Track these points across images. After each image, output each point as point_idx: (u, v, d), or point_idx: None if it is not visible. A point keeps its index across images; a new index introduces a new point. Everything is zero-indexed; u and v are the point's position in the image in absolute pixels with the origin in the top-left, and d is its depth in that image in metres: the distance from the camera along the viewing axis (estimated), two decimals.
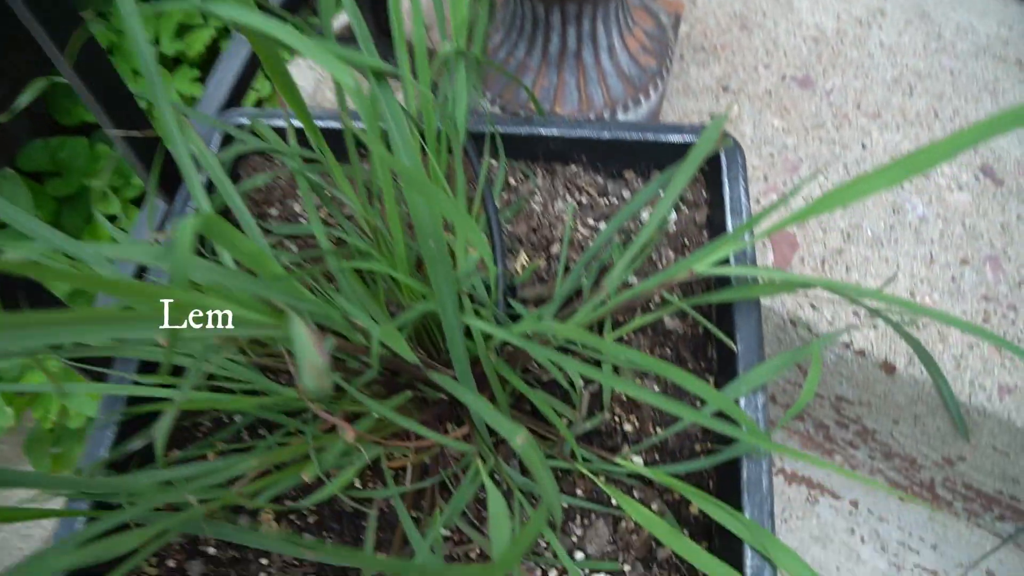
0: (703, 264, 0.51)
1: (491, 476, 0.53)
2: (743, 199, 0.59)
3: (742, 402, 0.51)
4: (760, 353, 0.53)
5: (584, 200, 0.66)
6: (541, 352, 0.45)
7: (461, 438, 0.52)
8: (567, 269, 0.62)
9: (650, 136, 0.62)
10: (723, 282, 0.57)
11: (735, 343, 0.54)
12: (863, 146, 0.80)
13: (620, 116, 0.76)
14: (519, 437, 0.38)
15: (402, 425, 0.45)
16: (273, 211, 0.68)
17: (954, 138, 0.42)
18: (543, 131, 0.63)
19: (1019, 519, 0.75)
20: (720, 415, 0.48)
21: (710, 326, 0.52)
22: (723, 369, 0.56)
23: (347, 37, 0.88)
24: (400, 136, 0.41)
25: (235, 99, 0.75)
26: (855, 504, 0.82)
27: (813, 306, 0.71)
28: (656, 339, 0.59)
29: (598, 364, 0.57)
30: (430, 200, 0.38)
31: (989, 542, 0.79)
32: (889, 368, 0.69)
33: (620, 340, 0.59)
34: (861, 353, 0.70)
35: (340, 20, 0.96)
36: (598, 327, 0.59)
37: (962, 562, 0.79)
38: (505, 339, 0.45)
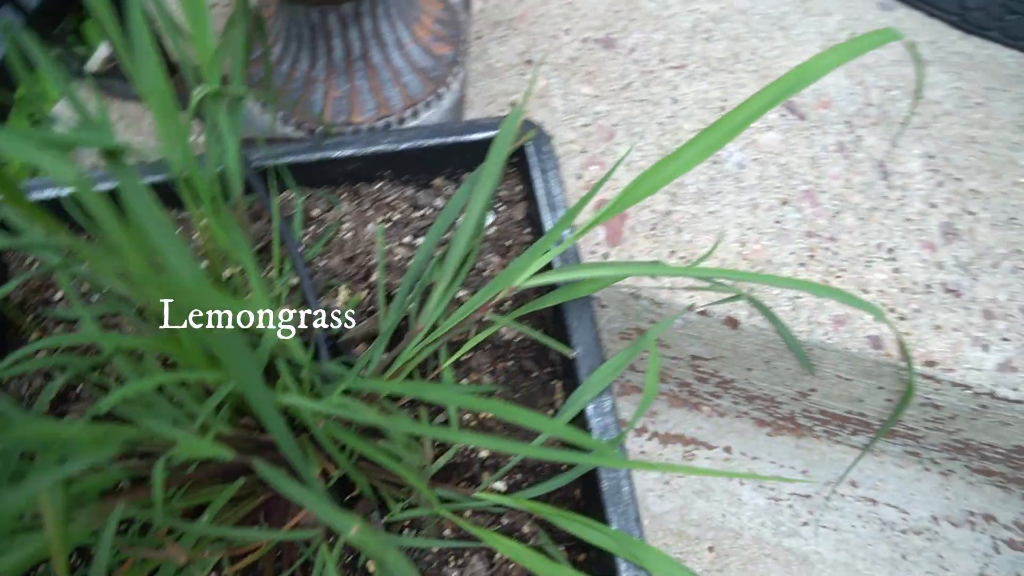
0: (523, 277, 0.48)
1: (344, 555, 0.48)
2: (555, 191, 0.57)
3: (590, 409, 0.50)
4: (598, 353, 0.52)
5: (397, 217, 0.61)
6: (365, 415, 0.41)
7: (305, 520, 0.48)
8: (390, 297, 0.58)
9: (450, 139, 0.59)
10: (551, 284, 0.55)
11: (572, 346, 0.52)
12: (673, 100, 0.79)
13: (423, 114, 0.71)
14: (352, 529, 0.34)
15: (227, 534, 0.40)
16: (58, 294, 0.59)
17: (771, 88, 0.41)
18: (336, 154, 0.58)
19: (869, 430, 0.79)
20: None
21: (540, 337, 0.50)
22: (569, 371, 0.55)
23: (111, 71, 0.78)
24: (146, 212, 0.35)
25: None
26: (729, 450, 0.84)
27: (652, 275, 0.70)
28: (497, 353, 0.57)
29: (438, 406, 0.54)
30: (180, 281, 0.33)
31: (850, 456, 0.83)
32: (732, 323, 0.69)
33: (459, 364, 0.56)
34: (704, 313, 0.70)
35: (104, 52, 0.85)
36: (434, 354, 0.55)
37: (829, 480, 0.83)
38: (321, 411, 0.41)
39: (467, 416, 0.55)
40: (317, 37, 0.67)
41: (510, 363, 0.56)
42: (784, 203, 0.74)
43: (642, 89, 0.80)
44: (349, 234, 0.60)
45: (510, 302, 0.57)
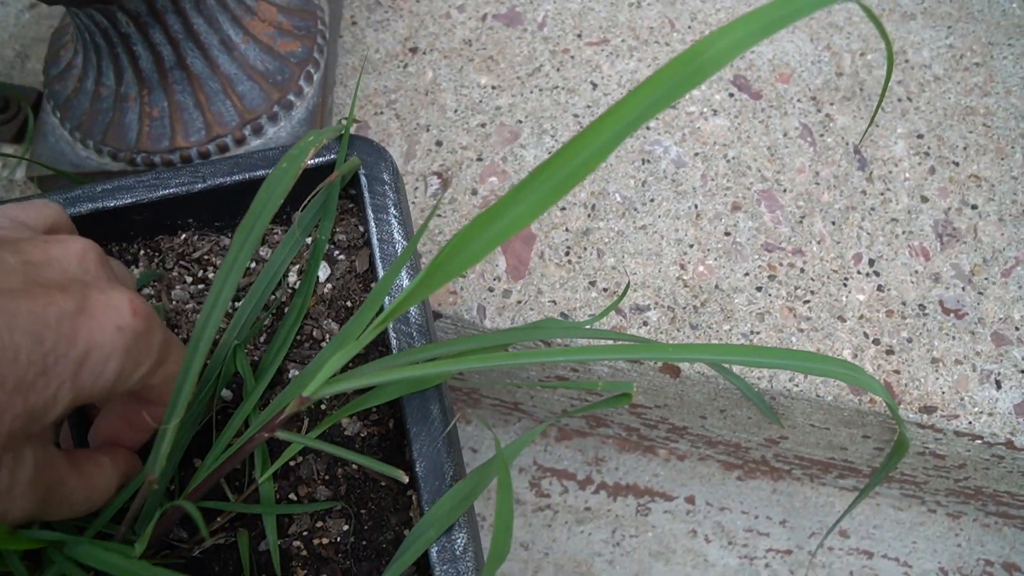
0: (315, 384, 0.34)
1: None
2: (395, 234, 0.42)
3: (432, 553, 0.36)
4: (447, 469, 0.37)
5: (211, 275, 0.47)
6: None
7: None
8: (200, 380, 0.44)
9: (261, 172, 0.44)
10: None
11: (410, 460, 0.38)
12: (593, 85, 0.64)
13: (269, 129, 0.57)
14: None
15: None
16: None
17: (655, 81, 0.26)
18: (111, 203, 0.44)
19: (859, 475, 0.65)
20: None
21: (359, 459, 0.35)
22: (425, 478, 0.41)
23: None
24: None
25: None
26: (691, 500, 0.70)
27: (564, 315, 0.56)
28: (334, 458, 0.43)
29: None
30: None
31: (837, 500, 0.69)
32: (673, 371, 0.55)
33: (285, 471, 0.42)
34: (637, 362, 0.55)
35: None
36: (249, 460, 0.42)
37: (814, 530, 0.69)
38: None
39: (297, 543, 0.41)
40: (114, 45, 0.52)
41: (353, 468, 0.43)
42: (735, 208, 0.59)
43: (554, 74, 0.64)
44: (152, 300, 0.46)
45: (325, 403, 0.42)
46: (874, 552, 0.68)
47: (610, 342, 0.51)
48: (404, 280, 0.41)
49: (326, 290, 0.45)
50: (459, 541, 0.36)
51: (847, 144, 0.61)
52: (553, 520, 0.70)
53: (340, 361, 0.33)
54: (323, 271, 0.45)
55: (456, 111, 0.62)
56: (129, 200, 0.44)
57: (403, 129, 0.62)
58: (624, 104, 0.25)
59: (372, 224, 0.42)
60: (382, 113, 0.62)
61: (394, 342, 0.40)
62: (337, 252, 0.46)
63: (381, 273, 0.41)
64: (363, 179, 0.43)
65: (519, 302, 0.55)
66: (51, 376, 0.25)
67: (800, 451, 0.63)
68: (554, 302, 0.56)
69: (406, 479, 0.36)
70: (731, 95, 0.64)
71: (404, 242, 0.42)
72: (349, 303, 0.45)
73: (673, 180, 0.60)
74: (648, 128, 0.62)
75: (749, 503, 0.70)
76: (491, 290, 0.56)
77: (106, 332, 0.27)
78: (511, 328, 0.47)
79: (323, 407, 0.43)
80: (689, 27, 0.66)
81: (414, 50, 0.65)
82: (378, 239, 0.42)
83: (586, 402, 0.64)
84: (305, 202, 0.45)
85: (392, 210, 0.42)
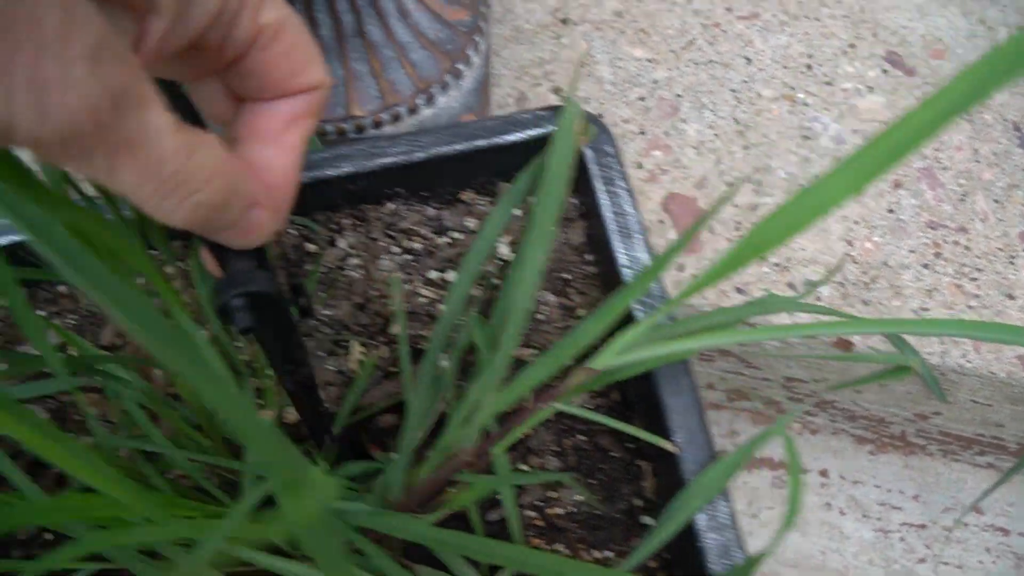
0: (606, 356, 0.34)
1: None
2: (627, 207, 0.42)
3: (700, 520, 0.36)
4: (706, 440, 0.38)
5: (418, 246, 0.47)
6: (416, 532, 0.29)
7: None
8: (417, 354, 0.44)
9: (479, 143, 0.44)
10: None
11: (669, 431, 0.38)
12: (747, 60, 0.64)
13: (440, 98, 0.56)
14: None
15: None
16: None
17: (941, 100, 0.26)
18: (330, 172, 0.44)
19: (1001, 452, 0.66)
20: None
21: (625, 427, 0.36)
22: (659, 448, 0.41)
23: None
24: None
25: None
26: (825, 473, 0.71)
27: (740, 290, 0.56)
28: (563, 426, 0.43)
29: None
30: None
31: (970, 476, 0.70)
32: (845, 344, 0.55)
33: (514, 447, 0.42)
34: (810, 336, 0.55)
35: None
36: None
37: (947, 506, 0.70)
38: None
39: (530, 513, 0.41)
40: (297, 10, 0.51)
41: (581, 439, 0.43)
42: (897, 186, 0.59)
43: (707, 47, 0.64)
44: (358, 272, 0.46)
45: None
46: (1010, 530, 0.68)
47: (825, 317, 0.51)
48: (643, 256, 0.41)
49: (543, 264, 0.45)
50: (724, 511, 0.36)
51: (1006, 121, 0.61)
52: None
53: (635, 336, 0.33)
54: None
55: (613, 83, 0.62)
56: (349, 169, 0.44)
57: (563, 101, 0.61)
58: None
59: (603, 195, 0.42)
60: (540, 84, 0.62)
61: (641, 315, 0.40)
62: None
63: (616, 244, 0.41)
64: (587, 151, 0.43)
65: (694, 276, 0.55)
66: None
67: (949, 427, 0.63)
68: (727, 277, 0.56)
69: (677, 450, 0.37)
70: (884, 72, 0.63)
71: (635, 213, 0.42)
72: (567, 275, 0.45)
73: (835, 157, 0.60)
74: (807, 105, 0.62)
75: (882, 477, 0.70)
76: None
77: None
78: (745, 304, 0.47)
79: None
80: (839, 2, 0.66)
81: (565, 21, 0.65)
82: (612, 212, 0.41)
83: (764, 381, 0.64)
84: (528, 172, 0.44)
85: (620, 182, 0.42)
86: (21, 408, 0.19)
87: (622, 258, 0.41)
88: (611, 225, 0.41)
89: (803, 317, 0.53)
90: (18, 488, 0.39)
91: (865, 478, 0.71)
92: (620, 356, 0.34)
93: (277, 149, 0.23)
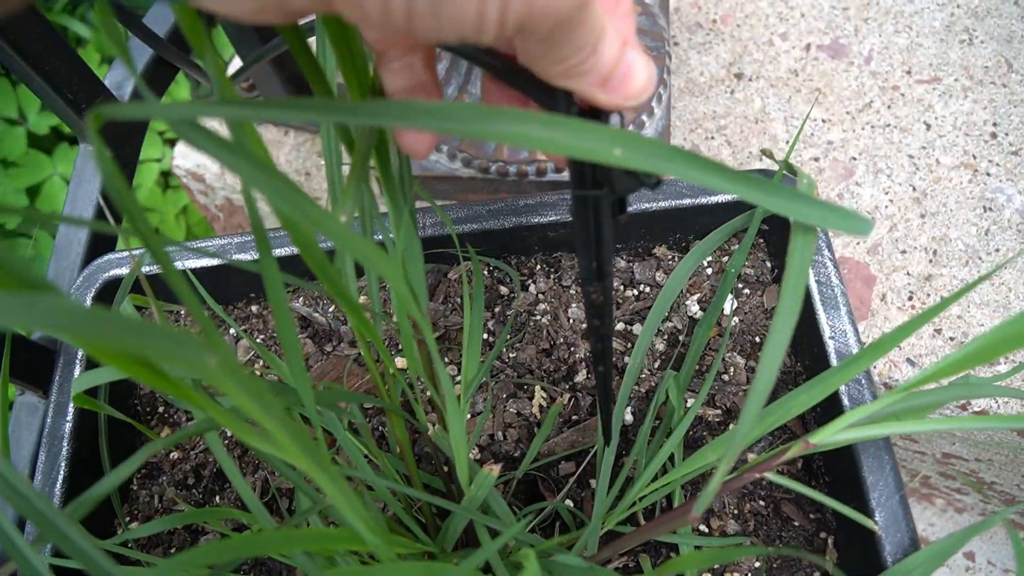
0: (827, 433, 0.34)
1: None
2: (832, 277, 0.42)
3: None
4: (908, 526, 0.37)
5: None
6: None
7: None
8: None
9: (687, 201, 0.45)
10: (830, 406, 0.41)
11: (869, 509, 0.38)
12: (927, 126, 0.62)
13: None
14: None
15: None
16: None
17: None
18: (535, 220, 0.45)
19: None
20: None
21: (824, 499, 0.36)
22: (844, 522, 0.41)
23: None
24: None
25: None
26: (971, 557, 0.68)
27: (911, 361, 0.55)
28: (744, 490, 0.43)
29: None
30: None
31: None
32: None
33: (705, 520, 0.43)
34: (983, 413, 0.54)
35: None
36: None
37: None
38: None
39: (705, 575, 0.42)
40: None
41: (762, 504, 0.43)
42: None
43: (885, 111, 0.63)
44: (546, 318, 0.47)
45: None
46: None
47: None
48: (848, 328, 0.41)
49: (733, 323, 0.46)
50: None
51: None
52: None
53: (858, 415, 0.33)
54: (728, 303, 0.46)
55: (787, 142, 0.62)
56: (553, 217, 0.45)
57: (735, 157, 0.62)
58: None
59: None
60: (712, 138, 0.63)
61: (845, 394, 0.40)
62: (742, 286, 0.46)
63: (821, 314, 0.41)
64: None
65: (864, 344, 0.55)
66: None
67: None
68: (900, 347, 0.55)
69: (877, 529, 0.37)
70: None
71: (840, 284, 0.42)
72: (757, 339, 0.45)
73: (1019, 231, 0.58)
74: (988, 175, 0.60)
75: None
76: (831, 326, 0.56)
77: None
78: (947, 386, 0.46)
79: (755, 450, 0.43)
80: None
81: (739, 76, 0.65)
82: (816, 280, 0.42)
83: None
84: (727, 233, 0.45)
85: (826, 251, 0.42)
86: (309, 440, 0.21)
87: (826, 329, 0.41)
88: (815, 295, 0.41)
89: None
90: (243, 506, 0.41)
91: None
92: (839, 434, 0.34)
93: (618, 21, 0.24)
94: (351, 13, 0.18)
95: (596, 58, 0.22)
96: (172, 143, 0.98)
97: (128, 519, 0.48)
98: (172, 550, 0.46)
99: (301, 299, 0.51)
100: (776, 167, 0.59)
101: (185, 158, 0.76)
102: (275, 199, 0.19)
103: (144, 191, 0.91)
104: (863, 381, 0.40)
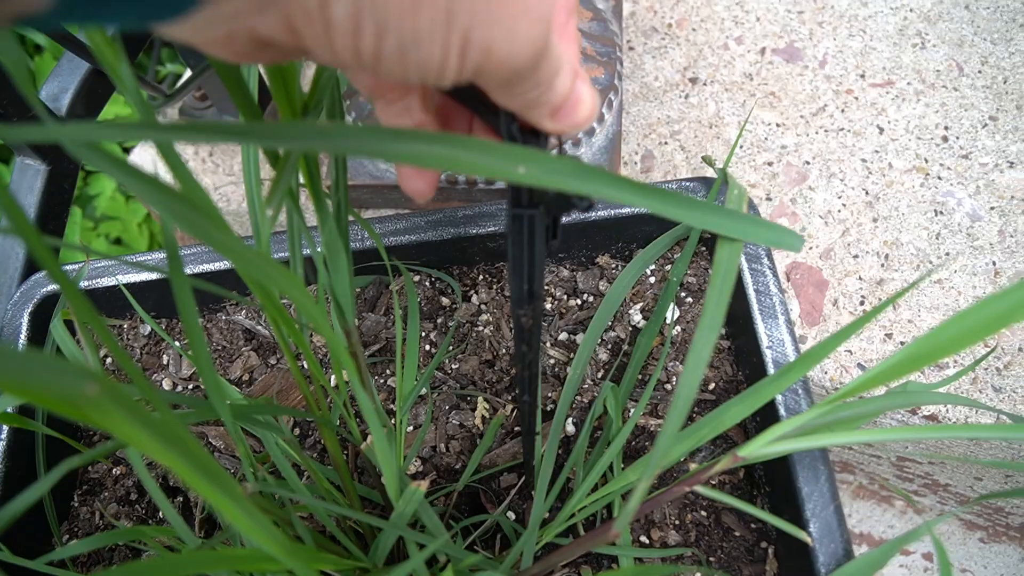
0: (755, 446, 0.34)
1: None
2: (771, 286, 0.42)
3: None
4: (842, 537, 0.37)
5: (549, 306, 0.48)
6: None
7: None
8: (544, 415, 0.45)
9: (626, 210, 0.44)
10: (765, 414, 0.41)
11: (803, 520, 0.37)
12: (879, 129, 0.62)
13: (577, 152, 0.57)
14: None
15: None
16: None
17: None
18: (474, 231, 0.45)
19: None
20: None
21: (759, 513, 0.35)
22: (783, 533, 0.41)
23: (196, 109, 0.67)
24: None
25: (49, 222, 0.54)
26: (929, 558, 0.68)
27: (862, 367, 0.55)
28: (685, 500, 0.43)
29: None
30: None
31: None
32: None
33: (637, 519, 0.42)
34: (932, 418, 0.54)
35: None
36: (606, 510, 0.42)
37: None
38: None
39: None
40: None
41: (703, 514, 0.43)
42: None
43: (839, 115, 0.63)
44: (488, 328, 0.47)
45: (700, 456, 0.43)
46: None
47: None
48: (786, 338, 0.41)
49: (675, 332, 0.45)
50: None
51: None
52: None
53: (785, 428, 0.33)
54: (670, 312, 0.46)
55: (741, 147, 0.62)
56: (492, 228, 0.45)
57: (689, 162, 0.61)
58: None
59: (746, 272, 0.42)
60: (666, 143, 0.62)
61: (781, 403, 0.40)
62: (684, 294, 0.46)
63: (760, 324, 0.41)
64: None
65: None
66: None
67: None
68: (850, 351, 0.55)
69: (810, 541, 0.36)
70: None
71: (779, 294, 0.41)
72: None
73: (968, 234, 0.58)
74: (939, 179, 0.60)
75: (994, 568, 0.67)
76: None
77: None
78: (885, 395, 0.46)
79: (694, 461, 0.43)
80: (979, 72, 0.64)
81: (694, 80, 0.65)
82: (755, 289, 0.41)
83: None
84: (664, 241, 0.45)
85: (766, 260, 0.42)
86: (201, 453, 0.20)
87: (764, 339, 0.41)
88: (753, 303, 0.41)
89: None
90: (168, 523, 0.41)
91: (975, 567, 0.68)
92: (769, 446, 0.34)
93: (565, 46, 0.24)
94: (323, 53, 0.19)
95: (551, 93, 0.23)
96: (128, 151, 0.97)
97: (67, 537, 0.47)
98: (115, 568, 0.46)
99: (244, 312, 0.51)
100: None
101: (140, 166, 0.75)
102: (169, 218, 0.19)
103: (104, 200, 0.90)
104: (799, 391, 0.40)
